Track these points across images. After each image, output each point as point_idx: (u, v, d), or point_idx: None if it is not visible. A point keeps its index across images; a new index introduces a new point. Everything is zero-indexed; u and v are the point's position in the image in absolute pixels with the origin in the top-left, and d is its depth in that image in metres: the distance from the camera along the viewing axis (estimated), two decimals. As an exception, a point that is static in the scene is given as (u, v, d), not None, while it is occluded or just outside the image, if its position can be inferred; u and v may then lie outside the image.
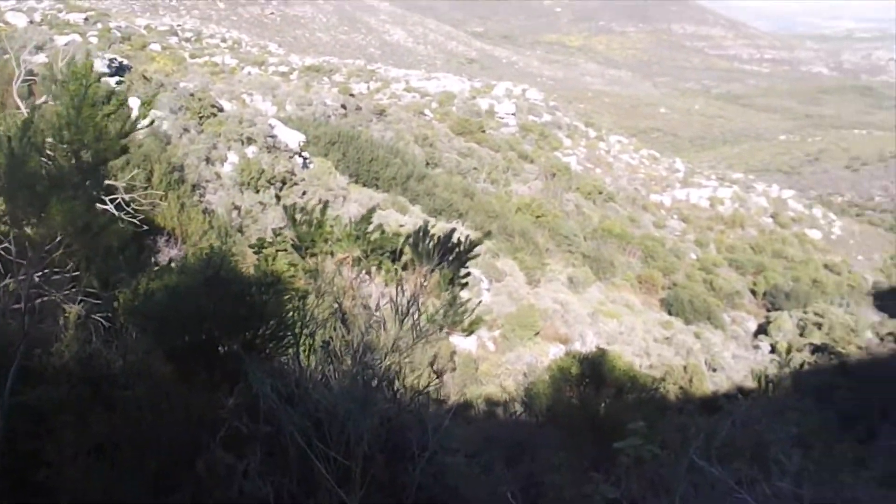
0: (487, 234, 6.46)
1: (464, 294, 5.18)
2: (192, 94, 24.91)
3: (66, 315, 4.71)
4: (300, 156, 24.88)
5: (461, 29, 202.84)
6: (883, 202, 73.21)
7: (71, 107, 4.59)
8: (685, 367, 17.50)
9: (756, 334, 29.93)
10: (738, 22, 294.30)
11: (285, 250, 6.08)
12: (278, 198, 20.20)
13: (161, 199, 9.98)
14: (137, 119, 4.99)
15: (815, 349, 24.91)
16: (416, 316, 4.91)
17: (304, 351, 5.14)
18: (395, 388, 4.96)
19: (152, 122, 5.66)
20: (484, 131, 47.71)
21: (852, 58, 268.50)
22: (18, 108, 12.31)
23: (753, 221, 50.01)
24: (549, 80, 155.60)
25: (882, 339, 27.77)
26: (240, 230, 17.17)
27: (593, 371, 13.07)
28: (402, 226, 20.67)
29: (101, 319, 4.90)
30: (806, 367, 22.95)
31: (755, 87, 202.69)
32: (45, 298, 4.67)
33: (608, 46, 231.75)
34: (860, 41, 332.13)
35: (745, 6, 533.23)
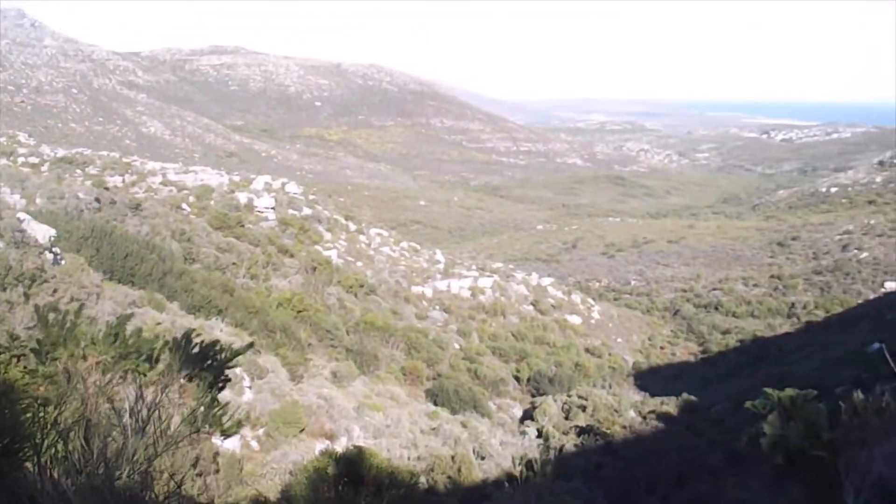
0: (250, 346, 6.10)
1: (226, 394, 4.83)
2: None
3: None
4: (51, 251, 23.56)
5: (220, 122, 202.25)
6: (638, 286, 75.92)
7: None
8: (453, 457, 17.19)
9: (522, 420, 30.00)
10: (496, 116, 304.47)
11: (23, 355, 5.69)
12: (27, 296, 18.95)
13: None
14: None
15: (581, 431, 25.10)
16: (170, 420, 4.70)
17: (46, 463, 4.53)
18: (146, 498, 4.53)
19: None
20: (243, 226, 46.91)
21: (605, 149, 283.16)
22: None
23: (515, 309, 50.72)
24: (308, 174, 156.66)
25: (644, 418, 28.31)
26: (-13, 332, 15.93)
27: (350, 469, 12.54)
28: (158, 324, 19.78)
29: None
30: (572, 448, 23.05)
31: (512, 178, 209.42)
32: None
33: (368, 140, 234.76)
34: (612, 133, 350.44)
35: (501, 101, 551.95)
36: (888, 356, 4.83)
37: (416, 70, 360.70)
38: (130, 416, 4.43)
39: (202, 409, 4.76)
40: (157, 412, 4.44)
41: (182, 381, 4.86)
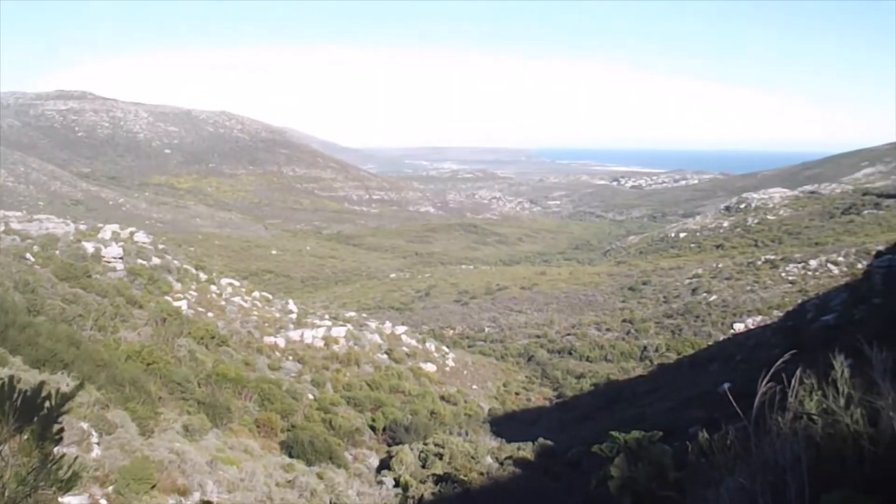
0: (80, 386, 5.93)
1: (73, 450, 4.68)
2: None
3: None
4: None
5: (66, 169, 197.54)
6: (492, 332, 76.51)
7: None
8: (310, 510, 17.03)
9: (379, 470, 29.84)
10: (348, 164, 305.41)
11: None
12: None
13: None
14: None
15: (439, 479, 25.09)
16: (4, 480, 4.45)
17: None
18: None
19: None
20: (90, 276, 45.81)
21: (457, 197, 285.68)
22: None
23: (369, 358, 50.61)
24: (158, 223, 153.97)
25: (502, 463, 28.52)
26: None
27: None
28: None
29: None
30: (430, 497, 23.02)
31: (365, 226, 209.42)
32: None
33: (218, 189, 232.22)
34: (464, 181, 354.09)
35: (354, 149, 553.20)
36: (731, 396, 4.97)
37: (268, 118, 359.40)
38: None
39: (35, 464, 4.60)
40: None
41: (13, 434, 4.66)
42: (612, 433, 6.02)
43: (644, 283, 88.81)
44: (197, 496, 17.99)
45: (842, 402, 4.76)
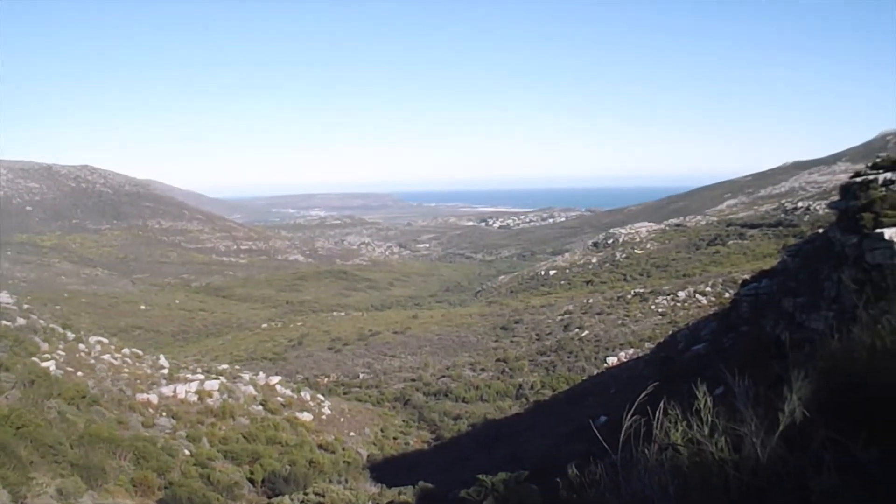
0: None
1: None
2: None
3: None
4: None
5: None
6: (367, 378, 76.32)
7: None
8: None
9: (259, 524, 29.64)
10: (215, 215, 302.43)
11: None
12: None
13: None
14: None
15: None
16: None
17: None
18: None
19: None
20: (-51, 341, 44.77)
21: (326, 244, 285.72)
22: None
23: (244, 410, 50.09)
24: (22, 282, 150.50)
25: (381, 512, 28.50)
26: None
27: None
28: None
29: None
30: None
31: (234, 277, 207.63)
32: None
33: (83, 245, 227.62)
34: (332, 228, 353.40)
35: (220, 200, 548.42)
36: (608, 429, 5.15)
37: (132, 170, 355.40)
38: None
39: None
40: None
41: None
42: (479, 476, 6.18)
43: (516, 322, 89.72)
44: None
45: (706, 430, 4.96)
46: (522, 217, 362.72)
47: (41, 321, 55.78)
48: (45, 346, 50.63)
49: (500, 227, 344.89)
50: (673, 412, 5.19)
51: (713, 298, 72.21)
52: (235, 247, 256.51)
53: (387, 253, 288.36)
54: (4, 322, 50.79)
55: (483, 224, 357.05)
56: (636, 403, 5.16)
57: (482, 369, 72.43)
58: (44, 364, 46.28)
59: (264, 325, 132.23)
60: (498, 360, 74.04)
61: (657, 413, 5.25)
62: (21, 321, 52.67)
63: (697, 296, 75.80)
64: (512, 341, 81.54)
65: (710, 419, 4.98)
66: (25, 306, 58.36)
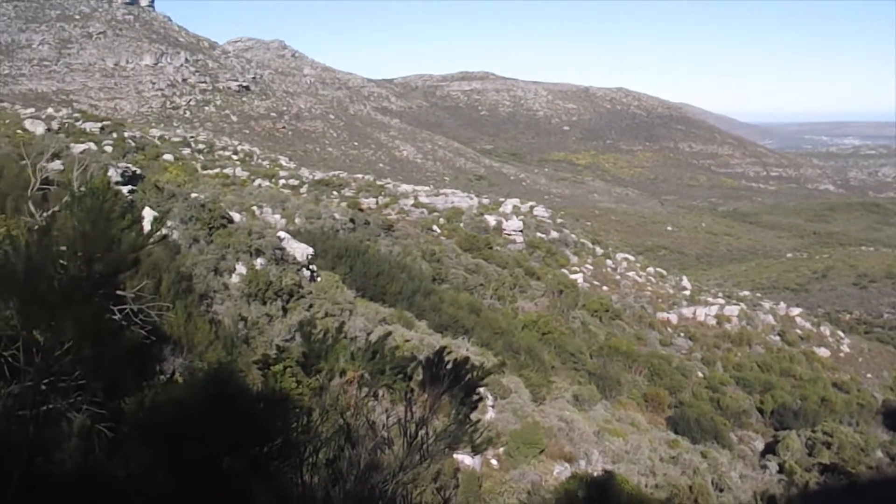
0: (502, 365, 6.48)
1: (474, 415, 5.16)
2: (202, 205, 25.05)
3: (71, 424, 4.67)
4: (308, 269, 24.91)
5: (470, 146, 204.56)
6: (891, 319, 72.73)
7: (86, 220, 4.64)
8: (691, 487, 17.26)
9: (764, 454, 29.47)
10: (745, 140, 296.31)
11: (291, 367, 6.13)
12: (285, 310, 20.16)
13: (168, 309, 9.97)
14: (150, 233, 5.02)
15: (825, 469, 24.59)
16: (425, 436, 4.98)
17: (308, 469, 5.07)
18: None
19: (165, 237, 5.70)
20: (491, 247, 47.85)
21: (859, 175, 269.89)
22: (33, 215, 12.41)
23: (761, 339, 49.72)
24: (556, 198, 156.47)
25: (893, 459, 27.38)
26: (245, 341, 17.08)
27: (600, 494, 12.84)
28: (407, 341, 20.61)
29: (105, 430, 4.81)
30: (815, 487, 22.64)
31: (762, 204, 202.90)
32: (51, 406, 4.61)
33: (615, 165, 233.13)
34: (866, 158, 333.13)
35: (751, 125, 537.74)
36: None
37: (664, 93, 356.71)
38: (400, 429, 4.90)
39: (456, 424, 5.11)
40: (424, 428, 4.87)
41: (434, 397, 5.16)
42: None
43: None
44: (582, 464, 18.65)
45: None
46: None
47: (572, 236, 58.32)
48: (574, 259, 52.99)
49: None
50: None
51: None
52: (765, 173, 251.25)
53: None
54: (539, 234, 53.67)
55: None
56: None
57: None
58: (572, 276, 48.55)
59: (789, 255, 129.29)
60: None
61: None
62: (554, 234, 55.38)
63: None
64: None
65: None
66: (559, 220, 61.22)
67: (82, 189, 4.80)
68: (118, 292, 5.20)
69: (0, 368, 4.49)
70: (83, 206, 4.65)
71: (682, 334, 47.20)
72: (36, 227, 5.75)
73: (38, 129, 52.89)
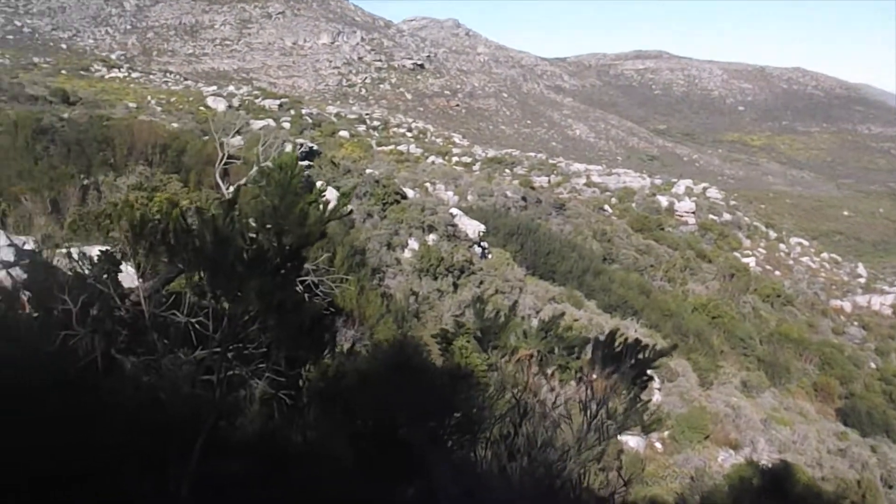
0: (674, 347, 6.49)
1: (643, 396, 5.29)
2: (377, 181, 25.70)
3: (253, 390, 5.05)
4: (479, 245, 25.35)
5: (643, 126, 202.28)
6: None
7: (275, 194, 4.98)
8: (859, 482, 17.01)
9: (940, 454, 28.66)
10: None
11: (470, 342, 6.37)
12: (456, 286, 20.58)
13: (343, 281, 10.43)
14: (336, 208, 5.27)
15: None
16: (603, 417, 5.10)
17: (484, 445, 5.27)
18: (577, 493, 4.99)
19: (350, 212, 6.00)
20: (662, 229, 47.60)
21: None
22: (218, 187, 13.07)
23: (942, 332, 48.22)
24: (729, 179, 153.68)
25: None
26: (416, 316, 17.56)
27: (774, 484, 12.83)
28: (576, 320, 20.80)
29: (285, 397, 5.11)
30: None
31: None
32: (234, 372, 4.91)
33: (791, 146, 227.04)
34: None
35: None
36: None
37: (843, 74, 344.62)
38: (579, 409, 5.06)
39: (625, 405, 5.25)
40: (604, 408, 5.02)
41: (604, 377, 5.30)
42: None
43: None
44: (747, 452, 18.58)
45: None
46: None
47: (745, 218, 57.49)
48: (746, 243, 52.28)
49: None
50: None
51: None
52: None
53: None
54: (711, 216, 53.08)
55: None
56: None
57: None
58: (744, 259, 47.94)
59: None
60: None
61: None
62: (727, 216, 54.70)
63: None
64: None
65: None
66: (732, 203, 60.37)
67: (269, 164, 5.13)
68: (303, 265, 5.51)
69: (188, 334, 4.83)
70: (272, 181, 4.96)
71: (856, 323, 46.11)
72: (223, 199, 6.09)
73: (220, 105, 55.15)
